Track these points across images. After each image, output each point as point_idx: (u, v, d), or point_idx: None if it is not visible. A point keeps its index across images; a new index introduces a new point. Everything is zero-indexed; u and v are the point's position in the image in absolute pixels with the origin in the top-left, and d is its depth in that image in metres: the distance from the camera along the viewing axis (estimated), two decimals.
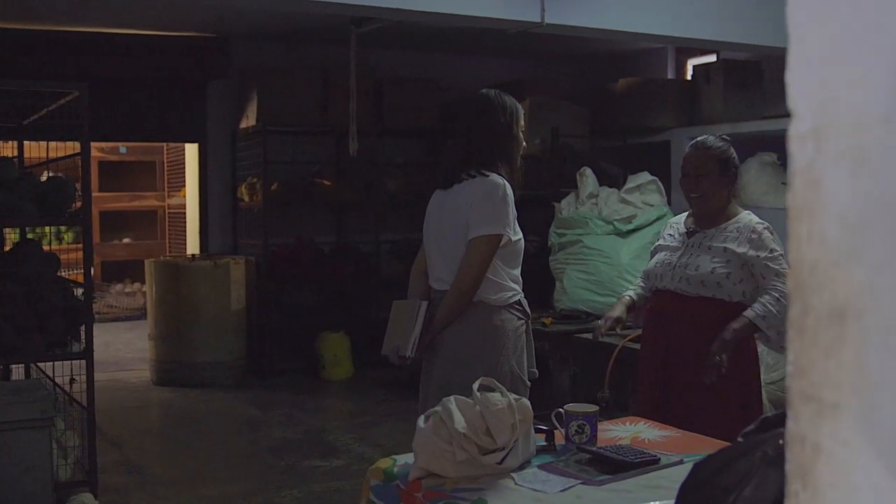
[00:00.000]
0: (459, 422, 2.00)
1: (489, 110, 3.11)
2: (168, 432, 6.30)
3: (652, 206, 5.97)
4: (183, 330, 7.28)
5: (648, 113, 7.25)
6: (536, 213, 7.67)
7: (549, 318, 5.51)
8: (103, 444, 5.64)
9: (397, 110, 7.95)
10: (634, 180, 6.05)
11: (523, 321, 3.11)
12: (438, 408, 2.09)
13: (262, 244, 7.54)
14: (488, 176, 3.03)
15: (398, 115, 7.96)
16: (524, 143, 3.25)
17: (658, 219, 5.86)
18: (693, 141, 3.51)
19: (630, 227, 5.80)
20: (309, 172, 7.92)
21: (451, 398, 2.10)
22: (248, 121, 7.72)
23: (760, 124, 6.76)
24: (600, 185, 6.22)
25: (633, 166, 7.18)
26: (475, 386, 2.14)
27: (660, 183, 6.04)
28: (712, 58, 8.06)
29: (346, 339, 7.48)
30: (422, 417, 2.11)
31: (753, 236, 3.33)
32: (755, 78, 7.08)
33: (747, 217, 3.42)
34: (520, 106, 3.20)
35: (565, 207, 6.21)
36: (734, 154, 3.46)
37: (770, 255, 3.31)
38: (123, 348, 9.11)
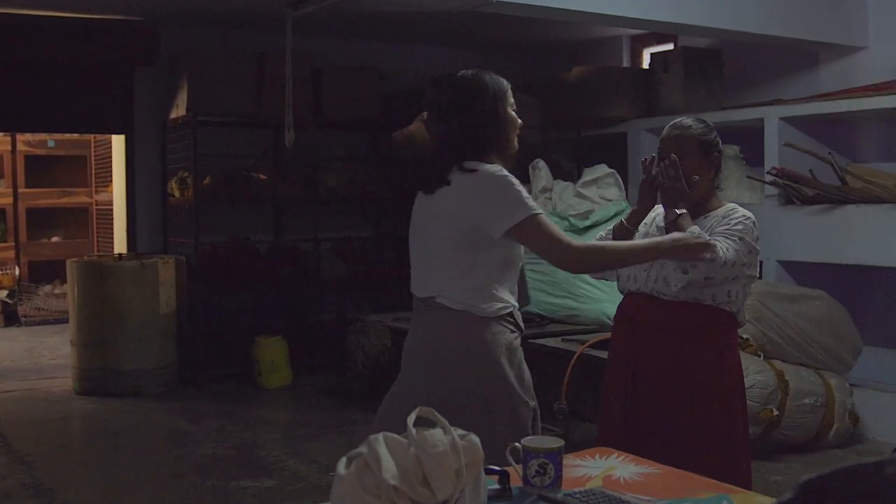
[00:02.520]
0: (389, 469, 1.56)
1: (466, 97, 2.66)
2: (86, 449, 5.78)
3: (610, 200, 5.59)
4: (108, 335, 6.75)
5: (603, 103, 6.86)
6: None
7: None
8: (12, 464, 5.13)
9: (337, 101, 7.48)
10: (591, 173, 5.66)
11: (517, 335, 2.68)
12: (363, 448, 1.65)
13: (194, 243, 7.02)
14: (477, 170, 2.60)
15: (338, 105, 7.49)
16: (519, 122, 2.75)
17: (616, 214, 5.47)
18: (671, 123, 3.11)
19: (587, 223, 5.40)
20: (244, 166, 7.42)
21: (380, 436, 1.66)
22: (178, 111, 7.20)
23: (723, 115, 6.40)
24: (554, 178, 5.82)
25: (589, 159, 6.80)
26: (410, 420, 1.70)
27: (618, 176, 5.65)
28: (669, 46, 7.71)
29: (284, 344, 7.01)
30: (343, 461, 1.66)
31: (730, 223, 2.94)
32: (715, 66, 6.72)
33: (732, 208, 3.02)
34: (504, 81, 2.73)
35: None
36: (717, 137, 3.07)
37: (728, 230, 2.91)
38: (48, 354, 8.54)
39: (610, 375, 3.11)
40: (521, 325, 2.71)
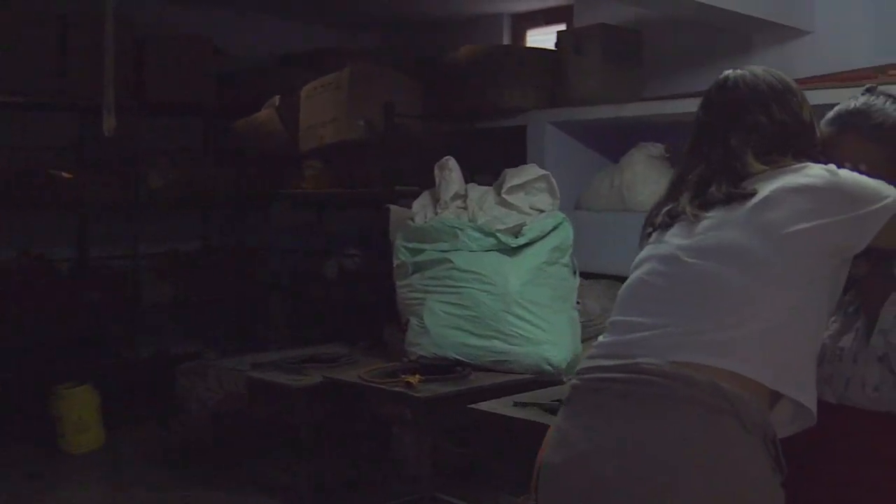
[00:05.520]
0: None
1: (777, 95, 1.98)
2: None
3: (541, 210, 4.34)
4: None
5: (499, 90, 5.61)
6: (361, 218, 5.91)
7: (417, 375, 3.74)
8: None
9: (164, 79, 5.94)
10: (517, 176, 4.39)
11: None
12: None
13: None
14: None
15: (165, 85, 5.96)
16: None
17: (555, 228, 4.24)
18: (843, 107, 2.01)
19: (521, 240, 4.14)
20: (41, 161, 5.78)
21: None
22: None
23: (647, 107, 5.30)
24: (466, 181, 4.53)
25: (484, 156, 5.54)
26: None
27: (552, 180, 4.41)
28: (559, 27, 6.57)
29: (94, 395, 5.39)
30: None
31: None
32: (635, 50, 5.62)
33: None
34: None
35: (418, 212, 4.46)
36: None
37: None
38: None
39: None
40: None
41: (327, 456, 4.23)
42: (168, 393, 5.31)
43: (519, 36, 6.98)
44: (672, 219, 1.93)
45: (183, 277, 6.27)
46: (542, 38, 6.73)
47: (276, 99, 5.85)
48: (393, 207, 4.84)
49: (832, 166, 1.83)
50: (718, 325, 1.76)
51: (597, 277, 5.07)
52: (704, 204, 1.89)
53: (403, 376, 3.76)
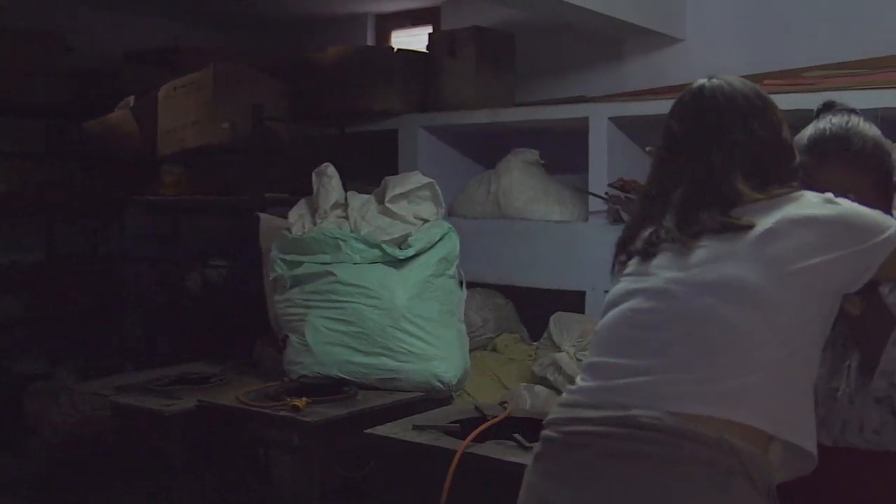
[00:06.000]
0: None
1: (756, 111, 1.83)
2: None
3: (425, 220, 4.17)
4: None
5: (370, 92, 5.41)
6: (227, 226, 5.58)
7: (304, 398, 3.51)
8: None
9: (6, 75, 5.44)
10: (402, 184, 4.20)
11: None
12: None
13: None
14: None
15: (7, 81, 5.45)
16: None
17: (441, 239, 4.08)
18: (817, 130, 1.91)
19: (409, 252, 3.95)
20: None
21: None
22: None
23: (523, 113, 5.21)
24: (346, 188, 4.31)
25: (355, 161, 5.33)
26: None
27: (436, 187, 4.24)
28: (427, 29, 6.43)
29: None
30: None
31: None
32: (508, 54, 5.51)
33: None
34: None
35: (296, 222, 4.21)
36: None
37: None
38: None
39: None
40: None
41: (201, 483, 3.93)
42: (14, 416, 4.89)
43: (384, 37, 6.78)
44: (653, 246, 1.76)
45: (27, 290, 5.78)
46: (408, 39, 6.56)
47: (131, 99, 5.46)
48: (263, 216, 4.58)
49: (829, 195, 1.71)
50: (728, 371, 1.59)
51: (473, 287, 4.94)
52: (696, 232, 1.72)
53: (289, 399, 3.52)
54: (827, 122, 2.01)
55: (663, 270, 1.73)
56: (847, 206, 1.70)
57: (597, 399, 1.67)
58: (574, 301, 4.78)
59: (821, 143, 1.98)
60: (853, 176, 1.87)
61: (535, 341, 4.94)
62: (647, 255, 1.77)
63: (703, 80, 1.90)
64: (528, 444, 2.93)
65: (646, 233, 1.80)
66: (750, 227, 1.67)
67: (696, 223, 1.72)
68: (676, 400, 1.58)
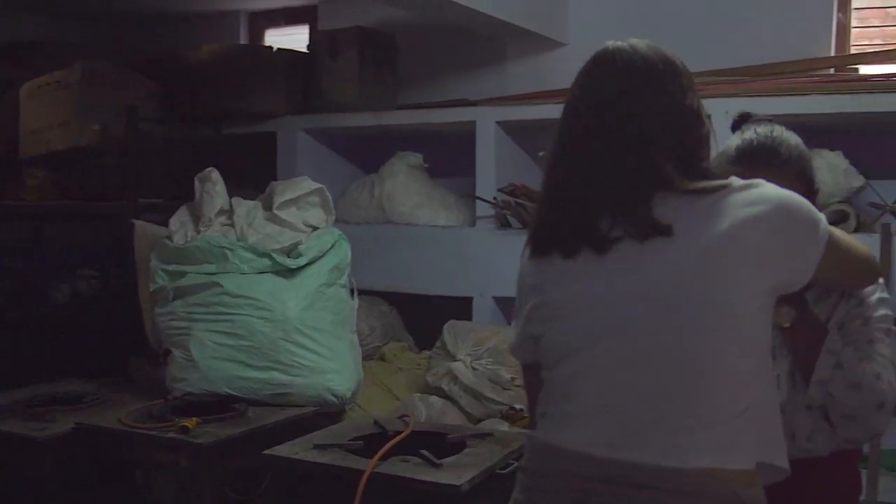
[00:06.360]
0: None
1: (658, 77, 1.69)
2: None
3: (315, 227, 4.01)
4: None
5: (248, 93, 5.20)
6: (97, 234, 5.28)
7: (194, 418, 3.30)
8: None
9: None
10: (290, 189, 4.02)
11: None
12: None
13: None
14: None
15: None
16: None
17: (333, 247, 3.93)
18: (747, 139, 1.87)
19: (301, 261, 3.78)
20: None
21: None
22: None
23: (407, 116, 5.10)
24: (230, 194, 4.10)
25: (233, 165, 5.11)
26: None
27: (326, 193, 4.08)
28: (303, 29, 6.26)
29: None
30: None
31: None
32: (390, 55, 5.39)
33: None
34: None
35: (177, 230, 3.98)
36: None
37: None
38: None
39: None
40: None
41: None
42: None
43: (257, 36, 6.57)
44: (587, 243, 1.63)
45: None
46: (283, 38, 6.37)
47: None
48: (138, 223, 4.32)
49: (771, 185, 1.64)
50: (723, 413, 1.51)
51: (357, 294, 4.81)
52: (641, 233, 1.59)
53: (177, 419, 3.31)
54: (752, 133, 2.01)
55: (617, 278, 1.60)
56: (789, 196, 1.64)
57: (606, 439, 1.56)
58: (461, 307, 4.71)
59: (748, 154, 1.97)
60: (782, 184, 1.85)
61: (422, 350, 4.85)
62: (576, 252, 1.66)
63: (608, 44, 1.81)
64: (437, 462, 2.83)
65: (572, 226, 1.67)
66: (700, 222, 1.57)
67: (634, 217, 1.60)
68: (686, 450, 1.50)
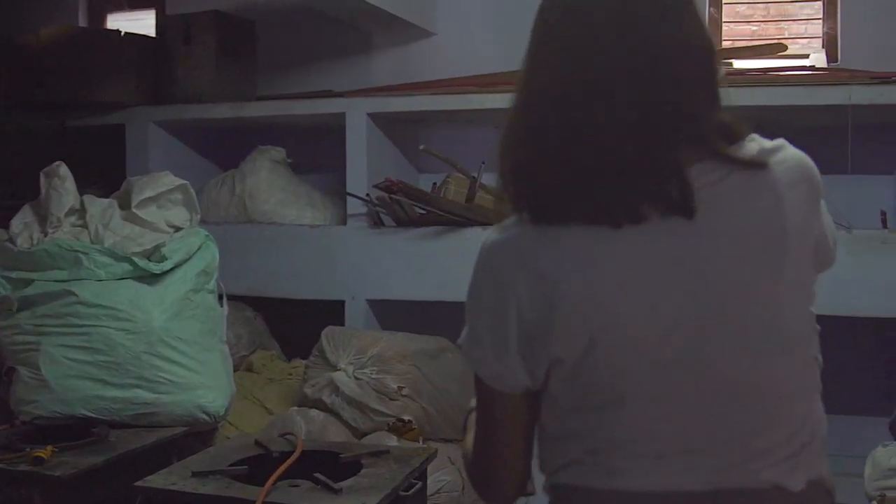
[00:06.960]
0: None
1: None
2: None
3: (180, 227, 3.66)
4: None
5: (90, 81, 4.76)
6: None
7: (49, 447, 2.91)
8: None
9: None
10: (150, 186, 3.64)
11: None
12: None
13: None
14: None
15: None
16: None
17: (199, 249, 3.58)
18: None
19: (165, 265, 3.42)
20: None
21: None
22: None
23: (270, 107, 4.78)
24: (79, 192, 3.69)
25: (78, 159, 4.67)
26: None
27: (190, 190, 3.73)
28: (148, 13, 5.82)
29: None
30: None
31: None
32: (248, 43, 5.04)
33: None
34: None
35: (21, 233, 3.55)
36: None
37: None
38: None
39: None
40: None
41: None
42: None
43: (98, 19, 6.06)
44: (605, 214, 1.22)
45: None
46: (128, 23, 5.90)
47: None
48: None
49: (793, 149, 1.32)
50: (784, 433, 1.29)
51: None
52: (674, 204, 1.21)
53: (28, 448, 2.92)
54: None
55: (664, 270, 1.23)
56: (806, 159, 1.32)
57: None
58: (332, 311, 4.44)
59: None
60: None
61: (291, 358, 4.55)
62: (589, 222, 1.23)
63: None
64: (334, 486, 2.57)
65: (582, 192, 1.23)
66: (739, 195, 1.25)
67: (667, 188, 1.21)
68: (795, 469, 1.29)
